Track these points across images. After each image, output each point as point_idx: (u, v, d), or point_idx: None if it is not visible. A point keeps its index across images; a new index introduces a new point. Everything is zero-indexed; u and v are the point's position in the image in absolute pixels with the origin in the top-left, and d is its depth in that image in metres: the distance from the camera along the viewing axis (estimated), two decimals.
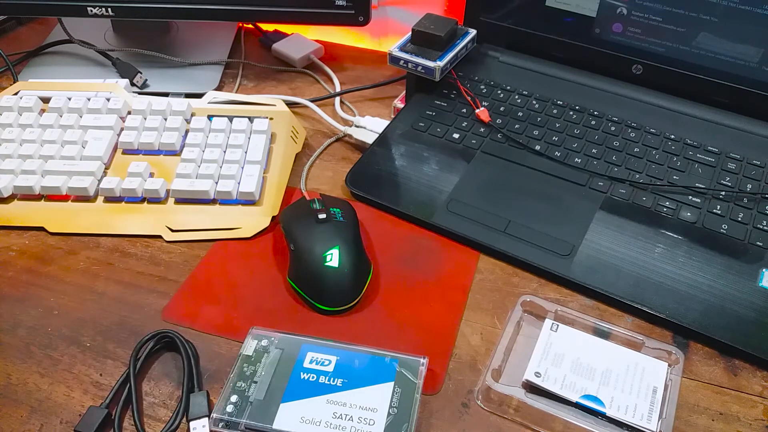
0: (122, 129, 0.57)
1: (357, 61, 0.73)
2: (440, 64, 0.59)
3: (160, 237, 0.51)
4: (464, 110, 0.60)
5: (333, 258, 0.46)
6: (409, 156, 0.57)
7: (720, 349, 0.44)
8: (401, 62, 0.60)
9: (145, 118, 0.58)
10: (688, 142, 0.57)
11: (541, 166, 0.55)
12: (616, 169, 0.55)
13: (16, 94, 0.60)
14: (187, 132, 0.57)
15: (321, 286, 0.46)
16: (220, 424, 0.38)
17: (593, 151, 0.56)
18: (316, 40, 0.73)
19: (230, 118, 0.58)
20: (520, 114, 0.60)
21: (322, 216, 0.48)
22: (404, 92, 0.65)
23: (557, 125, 0.59)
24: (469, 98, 0.61)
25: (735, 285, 0.46)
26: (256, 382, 0.40)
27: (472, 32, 0.63)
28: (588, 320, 0.45)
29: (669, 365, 0.42)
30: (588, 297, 0.47)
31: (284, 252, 0.49)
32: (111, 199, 0.53)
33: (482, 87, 0.63)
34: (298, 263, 0.47)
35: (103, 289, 0.47)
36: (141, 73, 0.66)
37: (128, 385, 0.41)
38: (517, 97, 0.62)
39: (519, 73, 0.65)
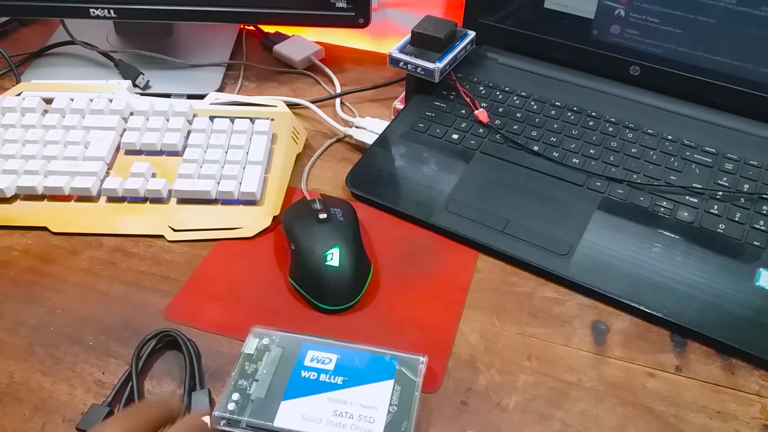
0: (125, 130, 0.57)
1: (357, 62, 0.73)
2: (439, 65, 0.59)
3: (162, 237, 0.51)
4: (463, 111, 0.61)
5: (333, 257, 0.46)
6: (408, 156, 0.57)
7: (717, 348, 0.44)
8: (401, 64, 0.61)
9: (148, 119, 0.58)
10: (686, 142, 0.57)
11: (539, 166, 0.56)
12: (613, 170, 0.55)
13: (18, 95, 0.60)
14: (189, 133, 0.58)
15: (322, 286, 0.46)
16: (222, 422, 0.38)
17: (591, 151, 0.57)
18: (317, 42, 0.74)
19: (232, 119, 0.58)
20: (518, 115, 0.60)
21: (322, 216, 0.48)
22: (404, 93, 0.65)
23: (555, 126, 0.59)
24: (468, 99, 0.61)
25: (732, 284, 0.47)
26: (257, 381, 0.40)
27: (471, 34, 0.64)
28: None
29: None
30: (586, 296, 0.47)
31: (285, 251, 0.49)
32: (113, 199, 0.53)
33: (481, 88, 0.63)
34: (299, 262, 0.47)
35: (106, 288, 0.48)
36: (143, 74, 0.66)
37: (130, 383, 0.41)
38: (515, 98, 0.62)
39: (517, 75, 0.65)
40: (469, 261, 0.50)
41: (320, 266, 0.46)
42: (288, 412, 0.38)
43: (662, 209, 0.52)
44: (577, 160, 0.56)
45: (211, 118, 0.58)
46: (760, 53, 0.56)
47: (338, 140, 0.62)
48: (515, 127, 0.59)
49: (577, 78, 0.64)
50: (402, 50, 0.61)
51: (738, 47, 0.57)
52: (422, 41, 0.61)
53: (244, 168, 0.55)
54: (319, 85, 0.70)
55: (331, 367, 0.41)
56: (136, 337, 0.44)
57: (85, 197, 0.53)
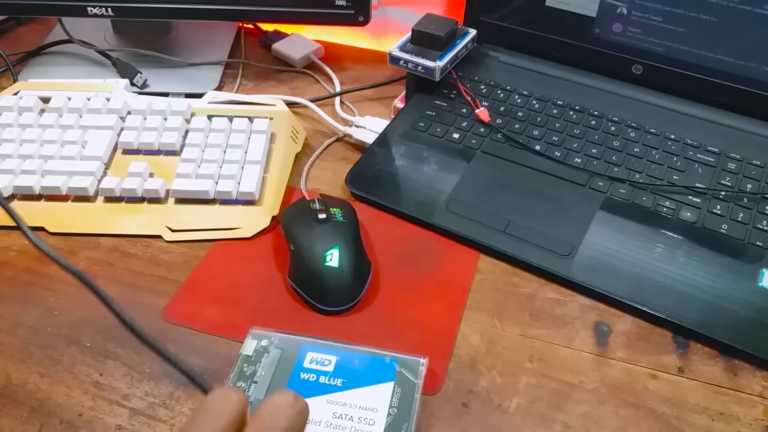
0: (122, 129, 0.57)
1: (357, 61, 0.73)
2: (440, 64, 0.59)
3: (160, 237, 0.51)
4: (464, 110, 0.60)
5: (333, 258, 0.46)
6: (409, 156, 0.57)
7: (720, 349, 0.44)
8: (401, 62, 0.60)
9: (145, 118, 0.58)
10: (688, 142, 0.57)
11: (541, 165, 0.55)
12: (616, 169, 0.55)
13: (16, 94, 0.60)
14: (187, 132, 0.57)
15: (321, 286, 0.46)
16: None
17: (593, 151, 0.56)
18: (316, 40, 0.73)
19: (230, 118, 0.58)
20: (520, 114, 0.60)
21: (322, 216, 0.48)
22: (404, 92, 0.65)
23: (557, 125, 0.59)
24: (468, 98, 0.61)
25: (735, 285, 0.46)
26: (256, 382, 0.40)
27: (472, 32, 0.63)
28: None
29: None
30: (588, 297, 0.47)
31: (284, 252, 0.49)
32: (111, 199, 0.53)
33: (482, 87, 0.63)
34: (298, 263, 0.47)
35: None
36: (141, 73, 0.66)
37: None
38: (517, 97, 0.62)
39: (519, 73, 0.65)
40: (470, 261, 0.50)
41: (320, 267, 0.46)
42: None
43: (665, 209, 0.51)
44: (579, 160, 0.55)
45: (210, 117, 0.58)
46: (763, 52, 0.56)
47: (338, 139, 0.62)
48: (517, 126, 0.59)
49: (579, 77, 0.63)
50: (402, 48, 0.61)
51: (741, 46, 0.56)
52: (423, 39, 0.60)
53: (242, 167, 0.54)
54: (319, 83, 0.69)
55: (330, 368, 0.40)
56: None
57: (82, 197, 0.53)
